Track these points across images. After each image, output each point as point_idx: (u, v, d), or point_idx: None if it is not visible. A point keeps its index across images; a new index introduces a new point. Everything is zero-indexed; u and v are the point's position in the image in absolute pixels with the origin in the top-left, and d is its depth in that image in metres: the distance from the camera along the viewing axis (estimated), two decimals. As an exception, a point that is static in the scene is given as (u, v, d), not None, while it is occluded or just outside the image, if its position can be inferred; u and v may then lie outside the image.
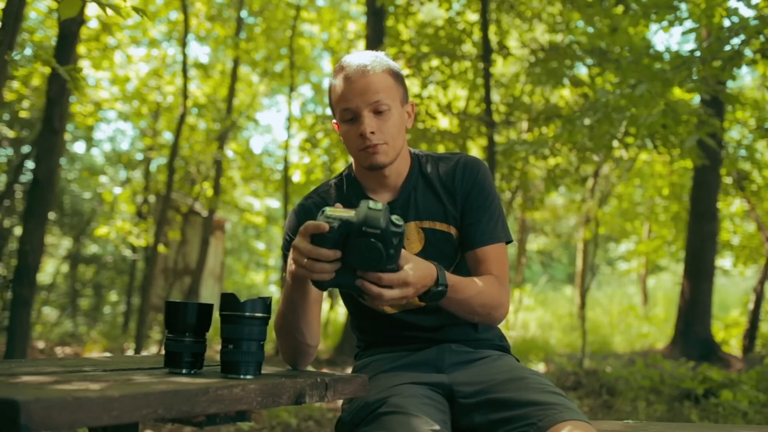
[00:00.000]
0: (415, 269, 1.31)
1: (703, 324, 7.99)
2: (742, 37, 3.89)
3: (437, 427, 1.34)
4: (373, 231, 1.22)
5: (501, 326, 1.75)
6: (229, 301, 1.25)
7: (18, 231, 8.16)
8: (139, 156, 12.30)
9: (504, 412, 1.41)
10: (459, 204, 1.61)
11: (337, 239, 1.24)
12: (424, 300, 1.39)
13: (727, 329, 9.46)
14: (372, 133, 1.52)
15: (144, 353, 7.44)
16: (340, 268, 1.26)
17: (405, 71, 6.58)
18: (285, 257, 1.62)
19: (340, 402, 1.60)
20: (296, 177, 8.73)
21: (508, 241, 1.62)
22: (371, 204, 1.24)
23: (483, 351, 1.64)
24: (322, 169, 8.29)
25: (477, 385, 1.52)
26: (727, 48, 3.94)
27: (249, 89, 12.02)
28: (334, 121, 1.65)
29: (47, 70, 5.57)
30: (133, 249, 11.12)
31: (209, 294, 11.73)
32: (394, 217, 1.24)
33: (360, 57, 1.58)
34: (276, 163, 12.83)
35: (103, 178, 12.41)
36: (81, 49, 8.06)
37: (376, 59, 1.57)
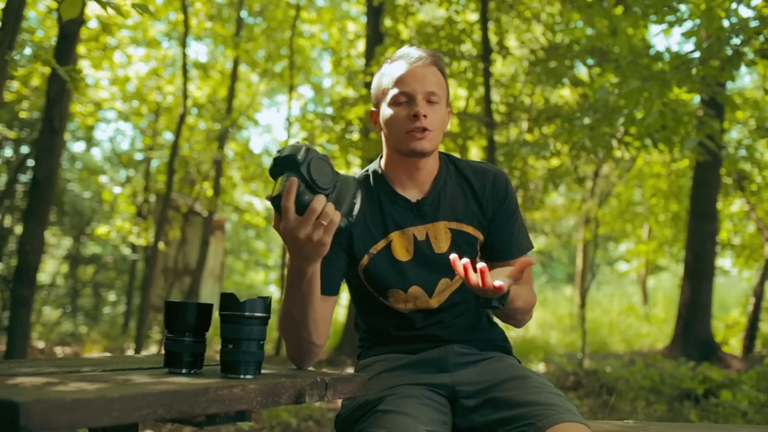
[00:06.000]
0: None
1: (703, 324, 8.00)
2: (742, 37, 3.89)
3: (430, 428, 1.34)
4: (301, 156, 1.28)
5: (501, 326, 1.75)
6: (228, 301, 1.25)
7: (18, 231, 8.16)
8: (139, 156, 12.30)
9: (503, 412, 1.41)
10: (488, 214, 1.65)
11: (306, 188, 1.28)
12: (492, 301, 1.41)
13: (727, 329, 9.46)
14: (425, 116, 1.54)
15: (144, 353, 7.44)
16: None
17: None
18: None
19: (339, 401, 1.60)
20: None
21: (532, 248, 1.69)
22: (280, 153, 1.31)
23: (486, 352, 1.65)
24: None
25: (479, 385, 1.52)
26: (727, 49, 3.94)
27: (249, 89, 12.02)
28: (373, 109, 1.66)
29: (47, 70, 5.58)
30: (133, 249, 11.12)
31: (209, 294, 11.73)
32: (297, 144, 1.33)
33: (420, 50, 1.63)
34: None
35: (103, 178, 12.42)
36: (81, 49, 8.06)
37: (435, 56, 1.63)
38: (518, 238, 1.66)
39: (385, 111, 1.60)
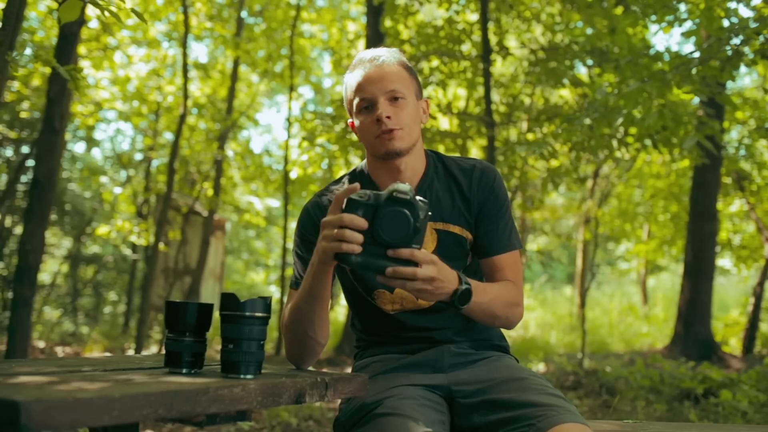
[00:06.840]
0: (440, 262, 1.33)
1: (703, 324, 8.00)
2: (742, 37, 3.89)
3: (430, 428, 1.35)
4: (403, 196, 1.25)
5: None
6: (229, 300, 1.25)
7: (18, 231, 8.17)
8: (140, 156, 12.31)
9: (503, 413, 1.41)
10: (474, 210, 1.61)
11: (368, 206, 1.26)
12: (453, 302, 1.38)
13: (727, 329, 9.46)
14: (388, 117, 1.53)
15: (144, 353, 7.44)
16: (368, 247, 1.26)
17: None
18: (298, 255, 1.61)
19: (339, 401, 1.60)
20: (294, 174, 8.75)
21: (520, 248, 1.65)
22: (399, 183, 1.29)
23: (483, 352, 1.65)
24: (319, 164, 8.30)
25: (476, 385, 1.52)
26: (727, 49, 3.94)
27: (249, 89, 12.02)
28: (350, 120, 1.65)
29: (48, 70, 5.58)
30: (134, 249, 11.12)
31: (209, 294, 11.73)
32: (419, 197, 1.28)
33: (374, 51, 1.62)
34: (276, 162, 12.83)
35: (103, 178, 12.42)
36: (81, 49, 8.06)
37: (390, 53, 1.61)
38: (504, 234, 1.60)
39: (356, 121, 1.60)
